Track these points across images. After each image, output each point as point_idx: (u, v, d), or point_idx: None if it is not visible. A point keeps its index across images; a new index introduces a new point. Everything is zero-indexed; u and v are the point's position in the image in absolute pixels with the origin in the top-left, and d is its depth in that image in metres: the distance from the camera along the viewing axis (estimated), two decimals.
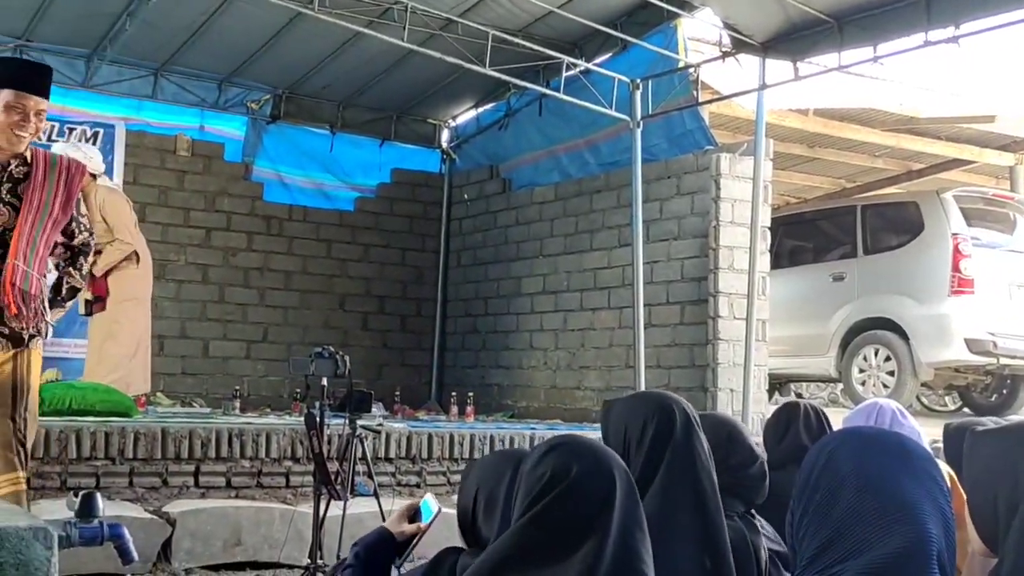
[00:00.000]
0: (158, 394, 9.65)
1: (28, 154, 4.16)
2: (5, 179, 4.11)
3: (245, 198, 11.32)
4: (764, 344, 9.21)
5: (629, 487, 2.04)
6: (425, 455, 7.33)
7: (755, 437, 3.65)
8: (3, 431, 4.06)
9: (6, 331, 4.13)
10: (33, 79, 4.20)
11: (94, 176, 7.59)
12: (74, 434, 6.48)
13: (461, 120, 12.33)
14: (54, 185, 4.14)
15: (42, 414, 7.10)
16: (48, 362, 9.27)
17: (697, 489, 2.64)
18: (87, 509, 1.92)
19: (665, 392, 2.90)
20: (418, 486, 7.22)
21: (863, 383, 9.99)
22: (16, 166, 4.13)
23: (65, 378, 8.96)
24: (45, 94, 4.17)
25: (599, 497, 1.99)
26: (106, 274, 8.02)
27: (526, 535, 1.99)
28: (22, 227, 4.04)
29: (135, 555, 2.12)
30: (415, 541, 2.75)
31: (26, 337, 4.18)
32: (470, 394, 10.00)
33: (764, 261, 9.19)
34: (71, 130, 10.29)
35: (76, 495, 1.94)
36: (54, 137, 10.19)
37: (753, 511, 3.29)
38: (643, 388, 8.72)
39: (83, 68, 10.32)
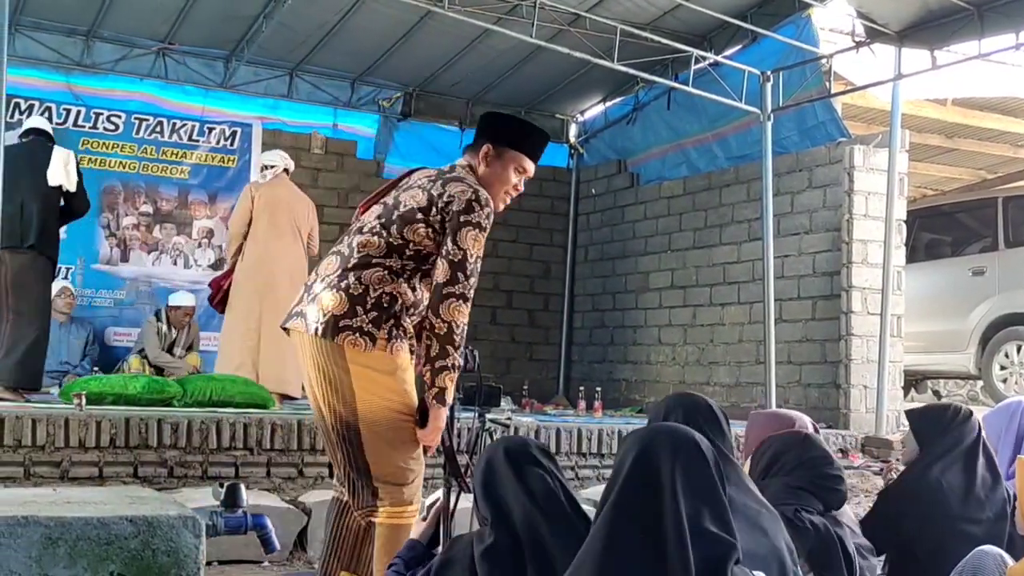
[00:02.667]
0: None
1: None
2: None
3: None
4: (899, 340, 9.01)
5: (696, 459, 2.09)
6: (553, 449, 7.36)
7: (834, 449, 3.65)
8: None
9: None
10: (541, 150, 4.03)
11: None
12: (214, 425, 6.69)
13: (589, 115, 12.33)
14: None
15: (184, 405, 7.41)
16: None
17: None
18: (232, 499, 1.99)
19: (682, 394, 2.97)
20: None
21: (1004, 381, 9.67)
22: None
23: (206, 370, 9.26)
24: (538, 162, 4.00)
25: (654, 479, 2.07)
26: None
27: (605, 530, 2.06)
28: None
29: (277, 545, 2.20)
30: (443, 527, 3.01)
31: None
32: (598, 389, 10.01)
33: (899, 255, 8.99)
34: (211, 129, 10.63)
35: (222, 485, 2.02)
36: (194, 137, 10.55)
37: (833, 513, 3.30)
38: (774, 384, 8.63)
39: (222, 69, 10.64)
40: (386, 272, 3.62)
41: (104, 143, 10.21)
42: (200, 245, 10.59)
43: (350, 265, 3.64)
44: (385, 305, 3.59)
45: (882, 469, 7.77)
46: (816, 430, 4.00)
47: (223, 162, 10.72)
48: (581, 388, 10.42)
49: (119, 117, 10.26)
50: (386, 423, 3.57)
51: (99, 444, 6.39)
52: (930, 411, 4.33)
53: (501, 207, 3.90)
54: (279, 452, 6.80)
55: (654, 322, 11.01)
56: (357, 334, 3.53)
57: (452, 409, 5.40)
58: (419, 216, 3.65)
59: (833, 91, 8.99)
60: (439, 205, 3.64)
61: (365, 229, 3.72)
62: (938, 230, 10.93)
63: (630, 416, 9.97)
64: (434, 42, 10.17)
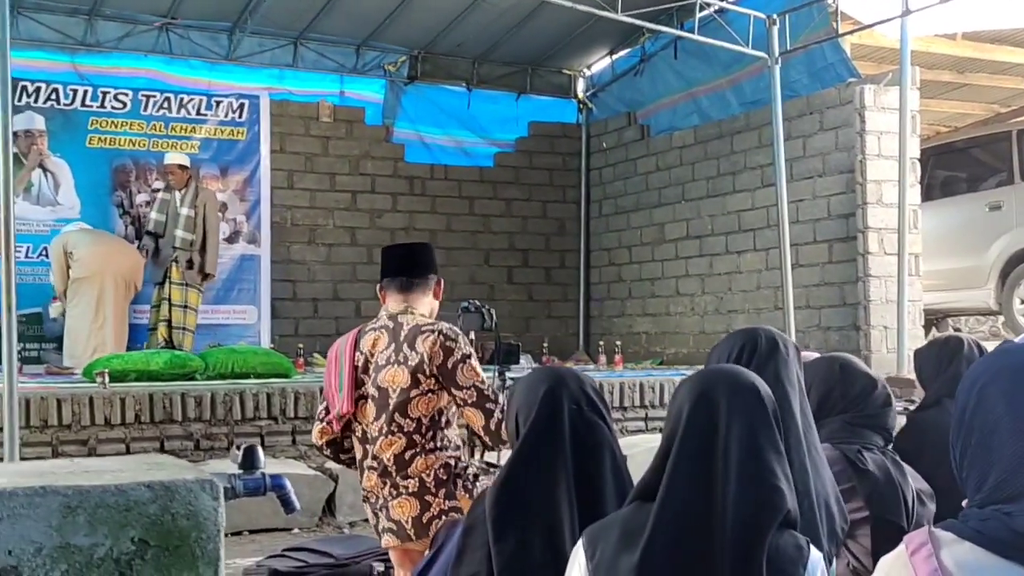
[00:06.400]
0: (315, 355, 9.95)
1: None
2: None
3: (387, 160, 11.50)
4: (918, 279, 8.98)
5: (754, 408, 2.07)
6: None
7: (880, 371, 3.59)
8: None
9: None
10: None
11: None
12: (238, 396, 6.75)
13: (596, 69, 12.26)
14: None
15: (207, 379, 7.47)
16: (206, 329, 9.85)
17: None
18: (249, 461, 2.01)
19: (763, 326, 2.90)
20: None
21: None
22: None
23: (224, 343, 9.31)
24: None
25: (710, 427, 2.06)
26: None
27: (663, 473, 2.06)
28: None
29: (297, 504, 2.22)
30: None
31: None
32: (617, 343, 10.02)
33: (914, 194, 8.94)
34: (218, 103, 10.61)
35: (239, 448, 2.04)
36: (203, 111, 10.53)
37: (894, 448, 3.26)
38: (793, 329, 8.61)
39: (226, 42, 10.60)
40: (422, 455, 3.69)
41: (113, 122, 10.21)
42: None
43: (393, 473, 3.70)
44: (444, 478, 3.69)
45: (907, 408, 7.76)
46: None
47: (232, 135, 10.71)
48: (601, 343, 10.43)
49: (126, 95, 10.25)
50: None
51: (124, 421, 6.46)
52: (928, 350, 4.32)
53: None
54: (303, 420, 6.85)
55: (671, 273, 11.00)
56: (443, 516, 3.63)
57: None
58: (413, 393, 3.68)
59: (841, 31, 8.90)
60: (425, 372, 3.68)
61: (375, 434, 3.75)
62: (953, 167, 10.84)
63: (651, 368, 9.99)
64: (437, 3, 10.12)
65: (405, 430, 3.69)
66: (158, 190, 9.85)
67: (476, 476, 3.76)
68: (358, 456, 3.88)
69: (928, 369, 4.24)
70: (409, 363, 3.70)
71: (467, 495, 3.68)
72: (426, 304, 3.94)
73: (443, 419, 3.76)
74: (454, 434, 3.83)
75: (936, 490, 3.74)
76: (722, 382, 2.13)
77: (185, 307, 9.38)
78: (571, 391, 2.60)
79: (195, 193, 9.54)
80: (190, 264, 9.39)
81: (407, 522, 3.67)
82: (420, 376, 3.67)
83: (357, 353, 3.85)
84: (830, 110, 9.22)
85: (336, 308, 11.13)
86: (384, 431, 3.71)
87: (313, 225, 11.10)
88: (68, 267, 8.96)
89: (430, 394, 3.69)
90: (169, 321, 9.34)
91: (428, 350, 3.68)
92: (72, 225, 9.56)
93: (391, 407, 3.70)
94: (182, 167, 9.57)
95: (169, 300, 9.36)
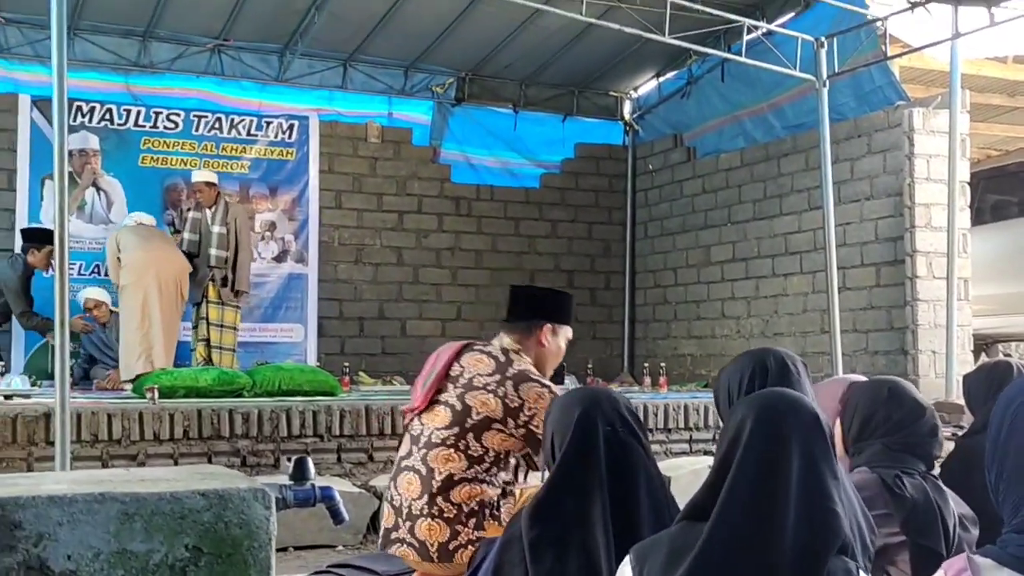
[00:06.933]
0: (360, 373, 10.02)
1: None
2: None
3: (434, 180, 11.58)
4: (967, 304, 8.89)
5: (812, 431, 2.07)
6: None
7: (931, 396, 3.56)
8: None
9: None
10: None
11: None
12: (284, 413, 6.81)
13: (643, 91, 12.28)
14: None
15: (254, 395, 7.54)
16: (253, 347, 9.88)
17: None
18: (300, 472, 2.05)
19: (769, 347, 2.90)
20: None
21: None
22: None
23: (271, 361, 9.39)
24: None
25: (772, 452, 2.04)
26: None
27: (722, 502, 2.05)
28: None
29: (346, 516, 2.26)
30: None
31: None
32: (662, 365, 9.99)
33: (964, 217, 8.86)
34: (268, 123, 10.75)
35: (289, 460, 2.08)
36: (252, 132, 10.67)
37: (936, 474, 3.21)
38: (840, 353, 8.55)
39: (277, 63, 10.75)
40: (471, 484, 3.71)
41: (165, 141, 10.37)
42: (263, 238, 10.71)
43: (435, 489, 3.70)
44: (476, 509, 3.70)
45: (955, 434, 7.68)
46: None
47: (282, 155, 10.84)
48: (646, 364, 10.40)
49: (178, 115, 10.41)
50: None
51: (173, 436, 6.53)
52: (977, 375, 4.27)
53: (550, 373, 4.02)
54: (348, 438, 6.91)
55: (717, 296, 10.97)
56: (470, 546, 3.65)
57: None
58: (496, 425, 3.72)
59: (889, 54, 8.86)
60: (520, 420, 3.71)
61: (437, 441, 3.76)
62: (1004, 191, 10.72)
63: (696, 391, 9.95)
64: (485, 25, 10.20)
65: (471, 453, 3.71)
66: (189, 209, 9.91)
67: (498, 502, 3.77)
68: (401, 453, 3.89)
69: (977, 394, 4.20)
70: (507, 401, 3.72)
71: (495, 522, 3.69)
72: (532, 351, 3.95)
73: (506, 459, 3.77)
74: (505, 477, 3.83)
75: (984, 515, 3.70)
76: (782, 407, 2.12)
77: (222, 326, 9.28)
78: (605, 412, 2.60)
79: (225, 210, 9.39)
80: (225, 282, 9.37)
81: (432, 545, 3.68)
82: (511, 419, 3.71)
83: (456, 365, 3.88)
84: (878, 133, 9.18)
85: (382, 327, 11.20)
86: (450, 443, 3.73)
87: (360, 245, 11.20)
88: (120, 265, 8.86)
89: (508, 434, 3.72)
90: (208, 340, 9.33)
91: (534, 403, 3.71)
92: (130, 217, 9.31)
93: (468, 425, 3.72)
94: (209, 184, 9.43)
95: (207, 320, 9.32)
